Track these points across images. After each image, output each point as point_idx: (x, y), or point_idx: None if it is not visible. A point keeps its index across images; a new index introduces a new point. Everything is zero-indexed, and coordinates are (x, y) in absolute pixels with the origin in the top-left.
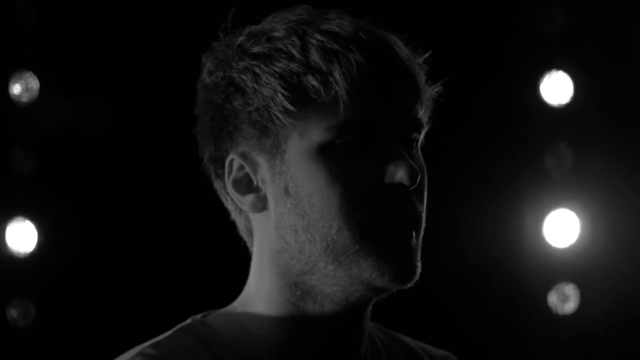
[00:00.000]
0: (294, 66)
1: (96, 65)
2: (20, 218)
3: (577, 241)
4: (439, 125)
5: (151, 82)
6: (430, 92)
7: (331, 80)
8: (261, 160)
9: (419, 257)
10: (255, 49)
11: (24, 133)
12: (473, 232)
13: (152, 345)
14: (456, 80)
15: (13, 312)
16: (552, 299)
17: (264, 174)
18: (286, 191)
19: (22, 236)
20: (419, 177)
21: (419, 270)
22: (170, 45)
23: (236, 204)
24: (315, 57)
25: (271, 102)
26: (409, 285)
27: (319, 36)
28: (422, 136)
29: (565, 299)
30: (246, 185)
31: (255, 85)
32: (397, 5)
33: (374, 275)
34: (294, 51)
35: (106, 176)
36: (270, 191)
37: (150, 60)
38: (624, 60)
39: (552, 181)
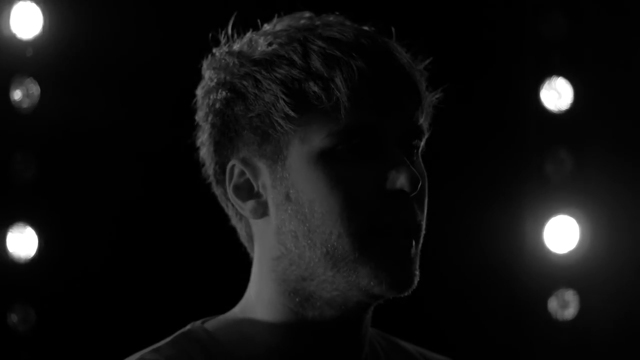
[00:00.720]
0: (295, 72)
1: (97, 70)
2: (21, 224)
3: (577, 247)
4: (440, 131)
5: (152, 88)
6: (430, 98)
7: (332, 86)
8: (262, 166)
9: (417, 266)
10: (257, 55)
11: (25, 139)
12: (473, 238)
13: (152, 351)
14: (456, 86)
15: (13, 317)
16: (552, 304)
17: (264, 180)
18: (287, 197)
19: (23, 242)
20: (420, 183)
21: (416, 280)
22: (171, 51)
23: (237, 209)
24: (316, 63)
25: (272, 108)
26: (406, 293)
27: (320, 42)
28: (422, 142)
29: (565, 305)
30: (247, 191)
31: (256, 91)
32: (398, 11)
33: (371, 282)
34: (295, 57)
35: (107, 182)
36: (271, 197)
37: (151, 66)
38: (623, 66)
39: (552, 187)
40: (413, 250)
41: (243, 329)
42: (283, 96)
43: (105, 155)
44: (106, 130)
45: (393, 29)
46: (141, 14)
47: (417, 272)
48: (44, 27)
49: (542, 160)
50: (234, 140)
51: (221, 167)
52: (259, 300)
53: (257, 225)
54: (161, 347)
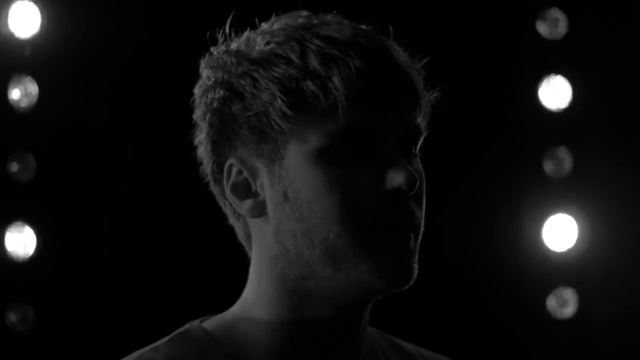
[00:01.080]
0: (292, 71)
1: (95, 69)
2: (19, 223)
3: (576, 245)
4: (438, 129)
5: (150, 87)
6: (428, 97)
7: (330, 85)
8: (260, 165)
9: (416, 260)
10: (254, 54)
11: (24, 138)
12: (472, 237)
13: (150, 351)
14: (455, 85)
15: (12, 317)
16: (551, 303)
17: (262, 179)
18: (285, 196)
19: (22, 241)
20: (418, 183)
21: (415, 273)
22: (169, 50)
23: (234, 208)
24: (314, 62)
25: (270, 107)
26: (406, 287)
27: (317, 41)
28: (420, 142)
29: (564, 304)
30: (245, 190)
31: (254, 90)
32: (396, 10)
33: (372, 278)
34: (292, 56)
35: (105, 181)
36: (269, 196)
37: (149, 65)
38: (622, 64)
39: (550, 185)
40: (412, 243)
41: (241, 328)
42: (280, 95)
43: (103, 155)
44: (105, 129)
45: (391, 28)
46: (139, 13)
47: (416, 266)
48: (42, 26)
49: (541, 158)
50: (232, 139)
51: (219, 166)
52: (257, 300)
53: (255, 224)
54: (159, 346)
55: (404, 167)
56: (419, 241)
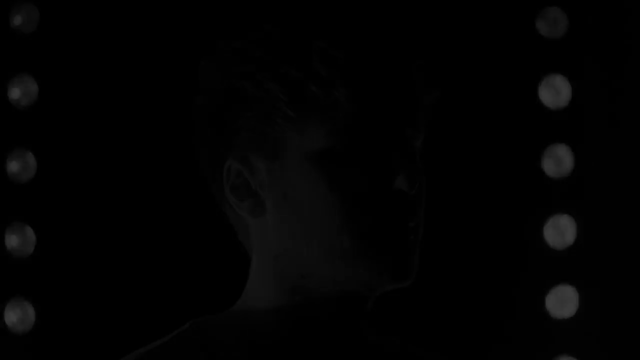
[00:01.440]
0: (294, 72)
1: (95, 69)
2: (19, 223)
3: (576, 245)
4: (438, 128)
5: (150, 87)
6: (429, 97)
7: (331, 86)
8: (260, 165)
9: (417, 258)
10: (256, 54)
11: (23, 136)
12: (470, 236)
13: (150, 351)
14: (454, 84)
15: (12, 316)
16: (551, 302)
17: (262, 179)
18: (285, 196)
19: (21, 240)
20: (418, 182)
21: (416, 270)
22: (170, 49)
23: (234, 209)
24: (316, 63)
25: (271, 107)
26: (407, 283)
27: (320, 42)
28: (420, 142)
29: (564, 303)
30: (244, 190)
31: (255, 91)
32: (396, 9)
33: (371, 276)
34: (294, 57)
35: (105, 179)
36: (269, 196)
37: (149, 66)
38: (622, 64)
39: (551, 185)
40: (412, 242)
41: (242, 327)
42: (282, 96)
43: (103, 153)
44: (105, 129)
45: (391, 28)
46: (140, 12)
47: (417, 262)
48: (41, 25)
49: (540, 158)
50: (232, 140)
51: (218, 166)
52: (258, 299)
53: (255, 224)
54: (159, 345)
55: (404, 168)
56: (419, 241)
